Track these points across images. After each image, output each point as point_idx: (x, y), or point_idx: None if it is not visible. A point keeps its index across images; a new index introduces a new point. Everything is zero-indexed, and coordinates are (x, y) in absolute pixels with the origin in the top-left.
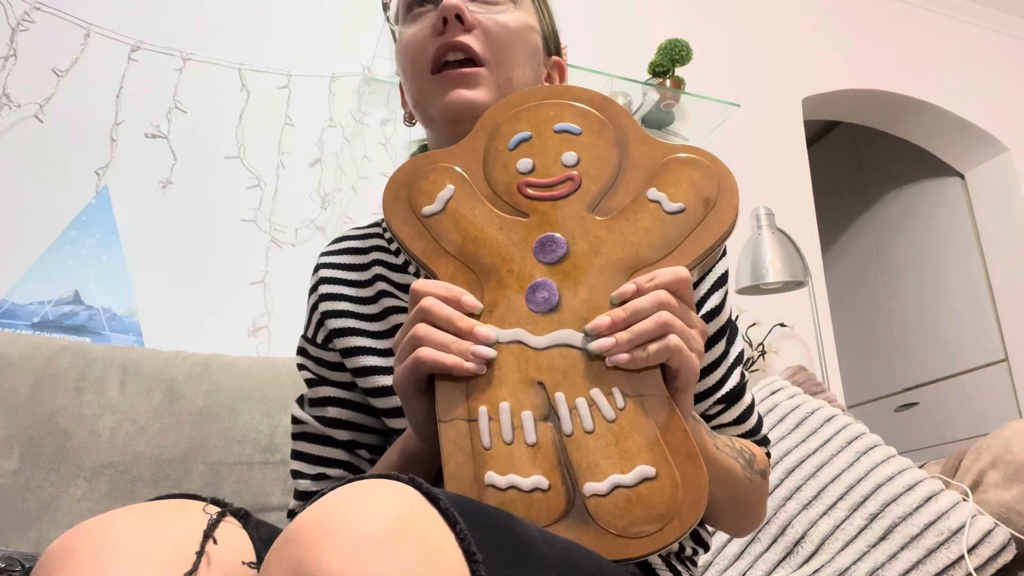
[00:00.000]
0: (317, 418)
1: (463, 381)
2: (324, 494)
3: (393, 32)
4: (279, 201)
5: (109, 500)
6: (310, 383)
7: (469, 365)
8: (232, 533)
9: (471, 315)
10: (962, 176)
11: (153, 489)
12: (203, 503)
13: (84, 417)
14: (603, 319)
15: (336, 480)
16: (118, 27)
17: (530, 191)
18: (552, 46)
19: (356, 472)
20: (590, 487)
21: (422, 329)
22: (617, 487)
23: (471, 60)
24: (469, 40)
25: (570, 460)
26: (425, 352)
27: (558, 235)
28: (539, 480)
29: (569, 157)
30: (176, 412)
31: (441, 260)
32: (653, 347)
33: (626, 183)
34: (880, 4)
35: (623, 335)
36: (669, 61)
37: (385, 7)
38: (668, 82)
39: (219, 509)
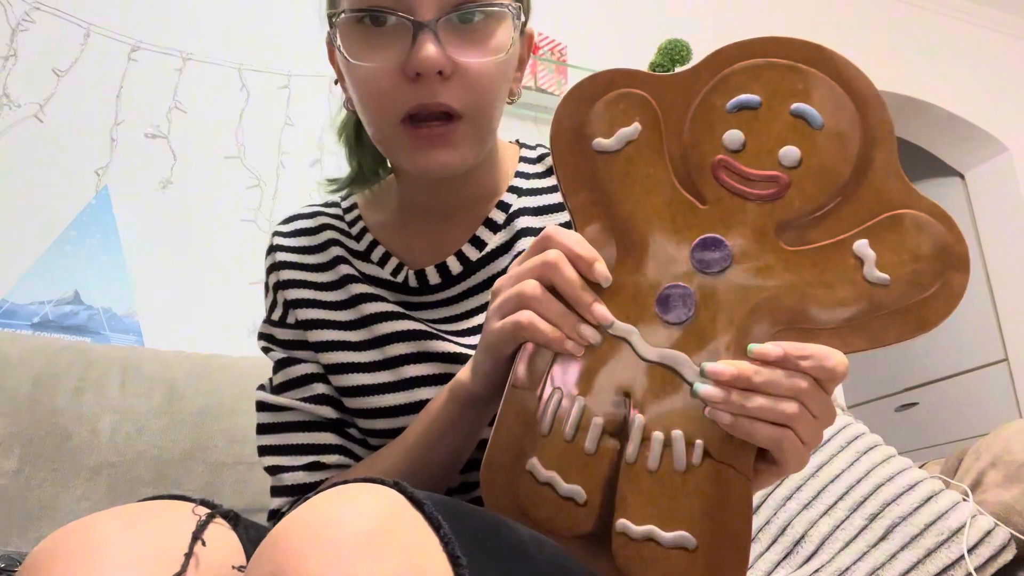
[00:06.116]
0: (304, 399)
1: (554, 353)
2: (307, 500)
3: (338, 47)
4: (279, 201)
5: (109, 500)
6: (283, 363)
7: (569, 345)
8: (221, 535)
9: (595, 286)
10: (962, 176)
11: (153, 489)
12: (192, 504)
13: (84, 417)
14: (728, 369)
15: (332, 468)
16: (118, 27)
17: (724, 175)
18: (525, 17)
19: (351, 457)
20: (624, 524)
21: (535, 290)
22: (651, 540)
23: (446, 114)
24: (448, 98)
25: (618, 487)
26: (528, 318)
27: (727, 242)
28: (577, 492)
29: (790, 154)
30: (176, 412)
31: (587, 209)
32: (763, 431)
33: (838, 218)
34: (881, 4)
35: (738, 397)
36: (669, 61)
37: (331, 20)
38: None
39: (208, 510)
